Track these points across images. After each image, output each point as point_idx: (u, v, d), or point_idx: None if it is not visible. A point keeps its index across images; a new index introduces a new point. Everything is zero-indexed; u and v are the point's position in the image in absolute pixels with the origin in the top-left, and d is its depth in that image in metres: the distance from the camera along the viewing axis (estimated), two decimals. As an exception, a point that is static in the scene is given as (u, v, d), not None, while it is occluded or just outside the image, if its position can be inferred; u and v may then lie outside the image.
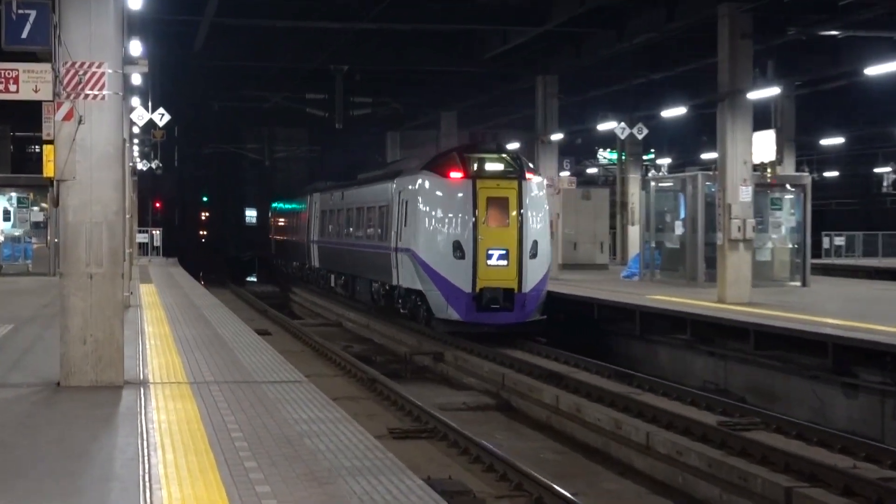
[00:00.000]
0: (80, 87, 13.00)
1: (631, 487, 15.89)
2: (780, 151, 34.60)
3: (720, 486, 14.89)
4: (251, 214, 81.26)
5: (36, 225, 37.00)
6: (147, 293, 29.72)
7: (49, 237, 35.71)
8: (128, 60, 18.00)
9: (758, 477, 14.44)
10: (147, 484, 8.84)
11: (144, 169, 50.66)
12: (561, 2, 29.84)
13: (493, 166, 27.28)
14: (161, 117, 34.56)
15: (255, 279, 67.52)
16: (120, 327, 13.37)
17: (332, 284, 41.54)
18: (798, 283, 31.47)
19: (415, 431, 18.42)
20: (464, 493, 13.85)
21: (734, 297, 25.92)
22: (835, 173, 66.20)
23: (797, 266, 31.81)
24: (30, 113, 34.99)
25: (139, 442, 10.35)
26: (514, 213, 26.79)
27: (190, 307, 25.97)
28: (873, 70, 26.45)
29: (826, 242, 50.17)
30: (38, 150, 53.67)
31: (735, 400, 20.26)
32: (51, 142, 13.11)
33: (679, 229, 32.61)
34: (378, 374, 23.83)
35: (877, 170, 65.67)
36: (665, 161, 58.61)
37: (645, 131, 39.87)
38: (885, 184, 66.37)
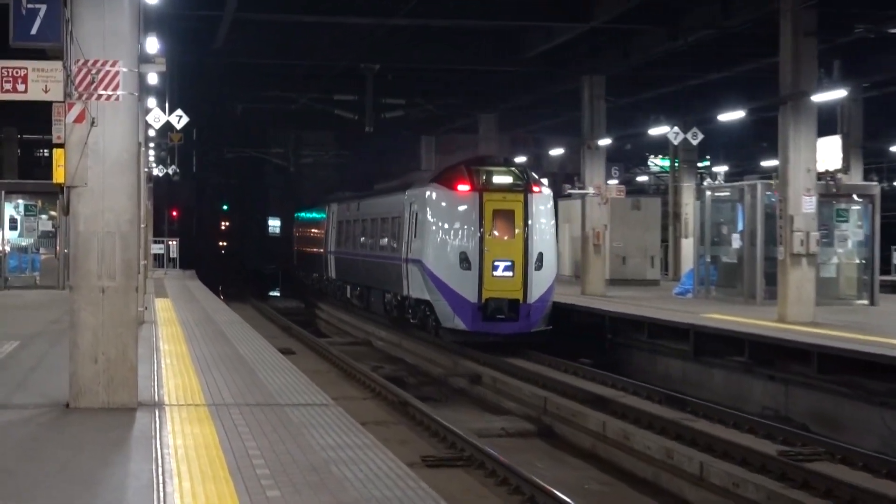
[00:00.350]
0: (92, 86, 13.08)
1: (683, 522, 15.84)
2: (846, 159, 34.44)
3: (780, 521, 14.82)
4: (274, 224, 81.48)
5: (44, 234, 37.19)
6: (162, 308, 29.83)
7: (58, 248, 35.91)
8: (144, 58, 18.03)
9: (821, 512, 14.37)
10: (161, 514, 8.87)
11: (160, 175, 50.84)
12: (609, -4, 29.85)
13: (499, 179, 29.93)
14: (179, 119, 34.71)
15: (278, 294, 67.67)
16: (133, 345, 13.42)
17: (348, 296, 43.75)
18: (866, 302, 31.28)
19: (450, 459, 18.39)
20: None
21: (796, 316, 25.78)
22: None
23: (865, 283, 31.62)
24: (39, 114, 35.26)
25: (154, 468, 10.38)
26: (520, 225, 29.36)
27: (208, 323, 26.05)
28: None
29: (896, 257, 49.82)
30: (47, 155, 54.05)
31: (797, 428, 20.14)
32: (61, 145, 13.15)
33: (736, 243, 32.48)
34: (410, 397, 23.83)
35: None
36: (721, 169, 58.37)
37: (700, 136, 39.73)
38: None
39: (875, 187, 33.19)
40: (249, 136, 67.52)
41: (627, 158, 61.11)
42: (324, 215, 50.07)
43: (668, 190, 48.93)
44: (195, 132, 53.34)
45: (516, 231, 29.35)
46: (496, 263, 29.14)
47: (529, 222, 29.28)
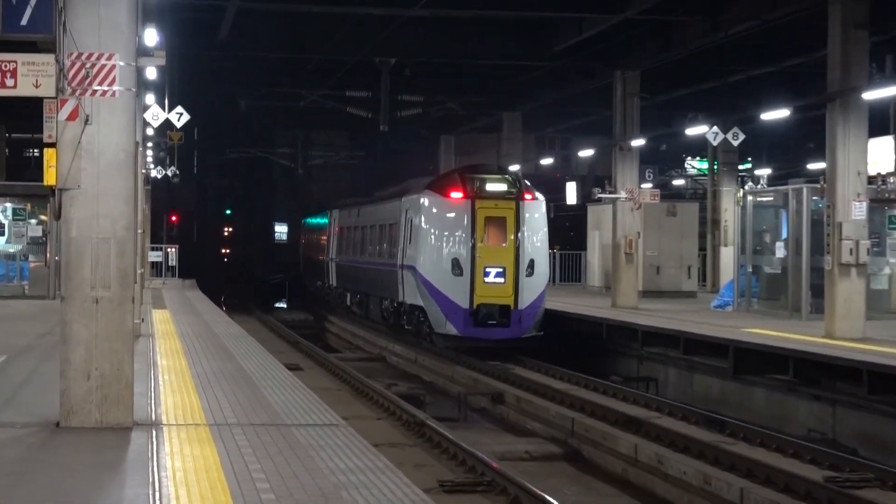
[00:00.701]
0: (87, 81, 13.13)
1: (722, 553, 15.82)
2: (900, 161, 34.34)
3: (827, 553, 14.79)
4: (281, 230, 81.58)
5: (34, 240, 37.29)
6: (161, 320, 29.90)
7: (49, 255, 35.99)
8: (142, 52, 18.16)
9: (871, 543, 14.34)
10: (159, 541, 8.90)
11: (159, 177, 51.04)
12: (644, -15, 29.89)
13: (492, 187, 32.21)
14: (179, 117, 34.79)
15: (284, 305, 67.79)
16: (129, 360, 13.46)
17: (349, 303, 46.00)
18: (921, 316, 31.22)
19: (469, 484, 18.37)
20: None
21: (845, 331, 25.72)
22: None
23: (920, 296, 31.58)
24: (29, 111, 35.39)
25: (150, 493, 10.41)
26: (512, 232, 31.58)
27: (210, 337, 26.10)
28: None
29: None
30: (37, 155, 54.24)
31: (845, 452, 20.10)
32: (53, 145, 13.21)
33: (780, 252, 32.43)
34: (427, 416, 23.81)
35: None
36: (764, 172, 58.18)
37: (741, 136, 39.69)
38: None
39: (931, 192, 33.11)
40: (255, 135, 67.69)
41: (662, 160, 61.12)
42: (327, 221, 51.73)
43: (707, 194, 48.87)
44: (196, 131, 53.62)
45: (508, 238, 31.56)
46: (487, 270, 31.36)
47: (521, 229, 31.52)
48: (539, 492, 16.76)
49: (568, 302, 36.93)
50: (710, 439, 20.30)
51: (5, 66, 13.00)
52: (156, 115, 33.59)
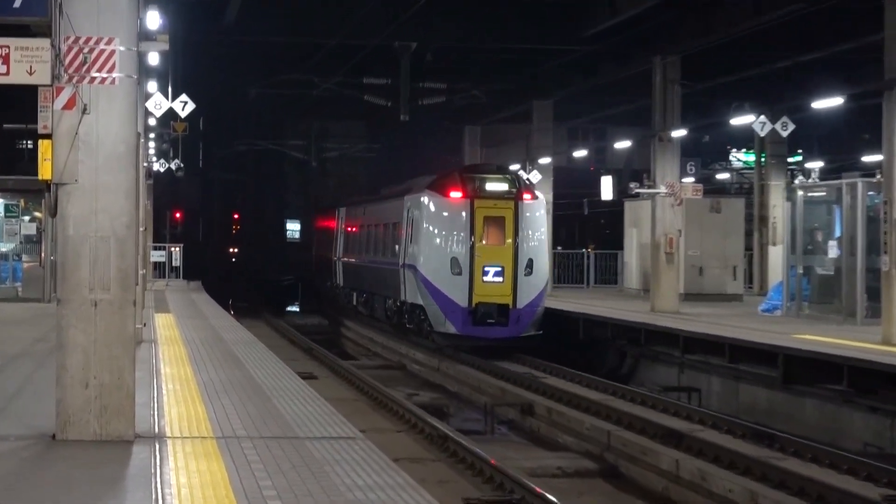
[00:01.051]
0: (84, 68, 13.14)
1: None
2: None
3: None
4: (293, 228, 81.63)
5: (28, 239, 37.37)
6: (164, 325, 29.96)
7: (44, 254, 36.08)
8: (144, 36, 18.18)
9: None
10: (162, 564, 8.91)
11: (162, 170, 51.12)
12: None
13: (491, 186, 34.77)
14: (183, 106, 34.82)
15: (297, 309, 67.87)
16: (130, 367, 13.48)
17: (355, 303, 48.66)
18: None
19: (497, 503, 18.39)
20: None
21: (904, 337, 25.69)
22: None
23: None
24: (22, 100, 35.45)
25: (153, 511, 10.43)
26: (510, 232, 34.14)
27: (217, 343, 26.15)
28: None
29: None
30: (31, 147, 54.40)
31: (904, 468, 20.05)
32: (48, 136, 13.23)
33: (833, 251, 32.34)
34: (451, 429, 23.83)
35: None
36: (816, 165, 58.24)
37: (790, 126, 39.63)
38: None
39: None
40: (264, 125, 67.76)
41: (705, 153, 61.07)
42: (335, 219, 54.10)
43: (753, 189, 48.82)
44: (202, 121, 53.76)
45: (506, 237, 34.18)
46: (486, 269, 33.96)
47: (520, 229, 34.11)
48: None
49: (602, 305, 36.95)
50: (757, 454, 20.27)
51: (-3, 52, 13.03)
52: (158, 104, 33.63)
